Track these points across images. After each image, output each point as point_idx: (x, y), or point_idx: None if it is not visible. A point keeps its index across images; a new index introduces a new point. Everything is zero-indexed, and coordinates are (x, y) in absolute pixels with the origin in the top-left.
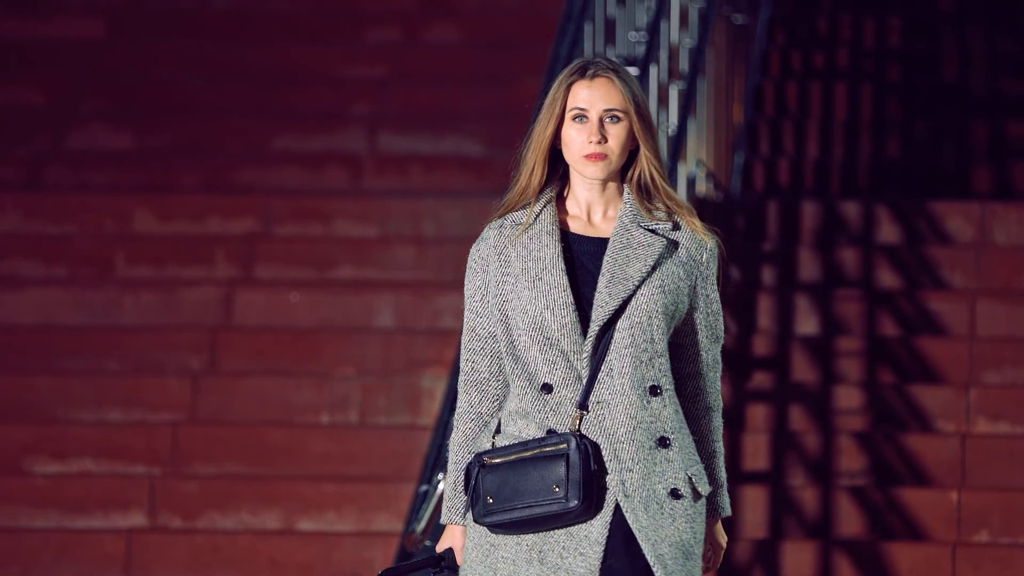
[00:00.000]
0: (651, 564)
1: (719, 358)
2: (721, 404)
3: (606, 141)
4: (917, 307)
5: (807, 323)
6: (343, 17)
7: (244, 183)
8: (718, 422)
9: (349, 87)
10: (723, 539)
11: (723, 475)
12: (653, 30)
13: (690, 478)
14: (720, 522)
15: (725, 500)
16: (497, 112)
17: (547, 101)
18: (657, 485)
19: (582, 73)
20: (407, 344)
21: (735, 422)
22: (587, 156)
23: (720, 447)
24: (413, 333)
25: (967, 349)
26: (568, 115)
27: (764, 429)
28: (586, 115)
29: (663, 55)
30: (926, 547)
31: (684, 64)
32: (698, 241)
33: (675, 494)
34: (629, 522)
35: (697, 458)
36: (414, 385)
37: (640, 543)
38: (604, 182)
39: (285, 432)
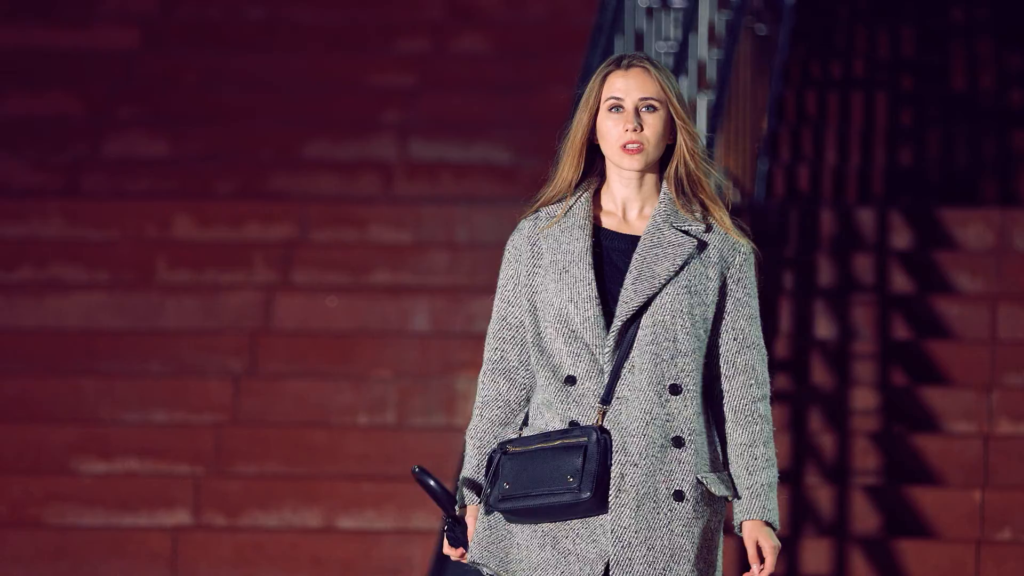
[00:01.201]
0: (611, 565)
1: (754, 365)
2: (761, 411)
3: (642, 130)
4: (938, 312)
5: (824, 327)
6: (373, 27)
7: (278, 189)
8: (755, 427)
9: (379, 95)
10: (770, 541)
11: (758, 479)
12: (682, 43)
13: (700, 481)
14: (767, 525)
15: (763, 504)
16: (524, 120)
17: (583, 94)
18: (661, 484)
19: (617, 64)
20: (442, 347)
21: None
22: (624, 147)
23: (755, 451)
24: (448, 336)
25: (989, 352)
26: (604, 106)
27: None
28: (622, 104)
29: (692, 66)
30: (950, 546)
31: (711, 72)
32: (731, 244)
33: (678, 496)
34: (609, 519)
35: (717, 462)
36: (449, 387)
37: (610, 542)
38: (641, 178)
39: (324, 433)
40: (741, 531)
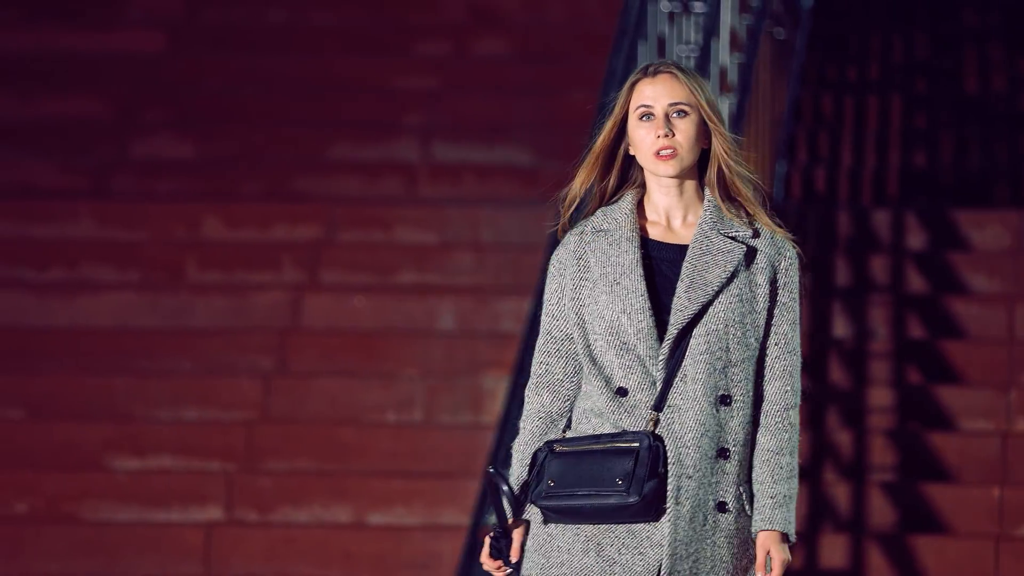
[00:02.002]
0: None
1: (791, 372)
2: (791, 420)
3: (673, 135)
4: (954, 312)
5: (841, 327)
6: (395, 30)
7: (302, 191)
8: (783, 436)
9: (402, 98)
10: (781, 555)
11: (781, 489)
12: (704, 47)
13: (742, 492)
14: (781, 536)
15: (782, 515)
16: (545, 122)
17: (611, 104)
18: (708, 496)
19: (644, 72)
20: (469, 346)
21: None
22: (657, 154)
23: (781, 460)
24: (474, 336)
25: (1007, 352)
26: (634, 115)
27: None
28: (652, 112)
29: (713, 70)
30: (969, 541)
31: (732, 76)
32: (778, 248)
33: (721, 507)
34: (667, 530)
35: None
36: (476, 386)
37: (664, 555)
38: (680, 185)
39: (354, 430)
40: (755, 537)
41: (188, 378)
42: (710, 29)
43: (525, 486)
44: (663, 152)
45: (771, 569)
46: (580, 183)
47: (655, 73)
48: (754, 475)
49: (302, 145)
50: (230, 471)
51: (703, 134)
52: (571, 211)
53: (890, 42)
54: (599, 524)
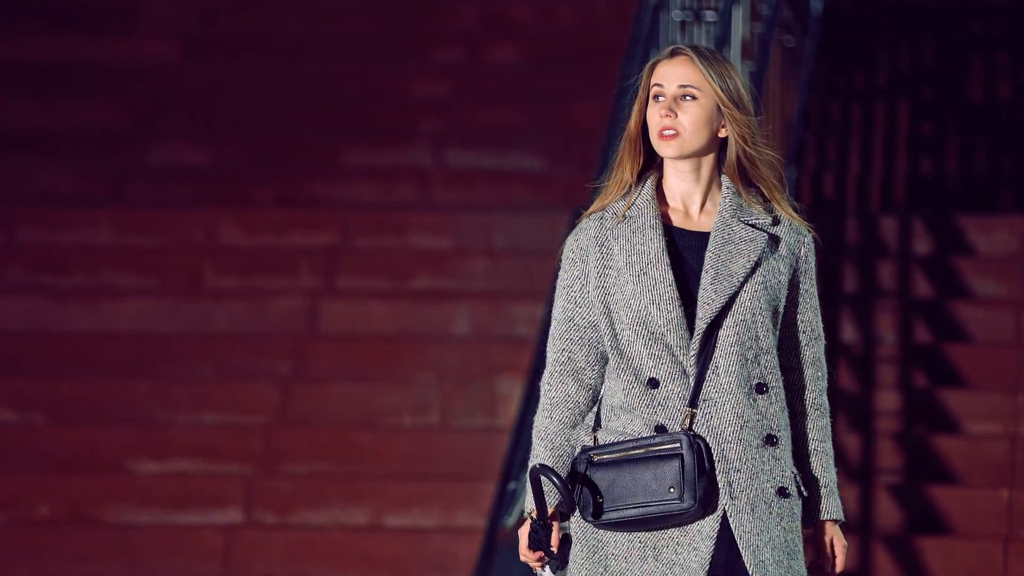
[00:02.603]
0: (750, 572)
1: (820, 357)
2: (826, 404)
3: (676, 116)
4: (963, 316)
5: (849, 331)
6: (409, 38)
7: (317, 197)
8: (823, 422)
9: (416, 104)
10: (842, 541)
11: (831, 476)
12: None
13: (795, 475)
14: (837, 524)
15: (837, 503)
16: (557, 129)
17: (637, 87)
18: (766, 484)
19: (665, 54)
20: (483, 351)
21: None
22: (660, 134)
23: (826, 447)
24: (489, 340)
25: (1015, 355)
26: (650, 97)
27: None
28: (663, 92)
29: None
30: (978, 542)
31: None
32: (796, 234)
33: (783, 492)
34: (732, 527)
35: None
36: (491, 389)
37: (741, 550)
38: (697, 171)
39: (370, 433)
40: (815, 527)
41: (207, 383)
42: (721, 38)
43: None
44: (665, 132)
45: (835, 555)
46: (627, 172)
47: (672, 55)
48: (803, 464)
49: (317, 151)
50: (249, 474)
51: (715, 120)
52: (612, 197)
53: (898, 50)
54: (652, 529)
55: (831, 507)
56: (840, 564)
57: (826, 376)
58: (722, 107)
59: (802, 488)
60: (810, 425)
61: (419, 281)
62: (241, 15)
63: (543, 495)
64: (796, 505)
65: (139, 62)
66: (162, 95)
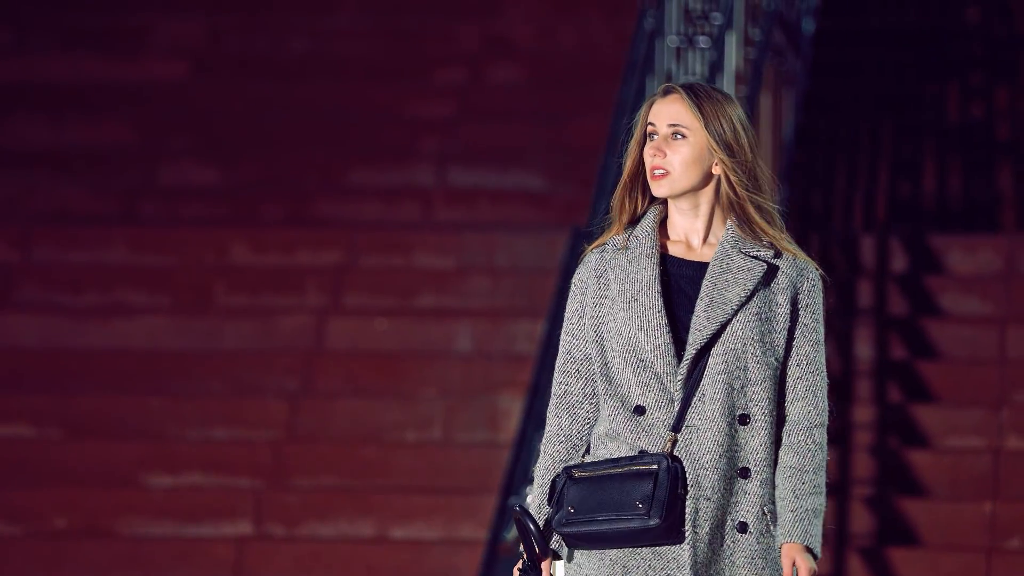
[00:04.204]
0: None
1: (816, 392)
2: (819, 439)
3: (665, 156)
4: (950, 333)
5: (831, 349)
6: (412, 58)
7: (323, 215)
8: (812, 454)
9: (419, 124)
10: (807, 564)
11: (805, 504)
12: (709, 81)
13: (766, 512)
14: (805, 549)
15: (805, 529)
16: (557, 148)
17: (635, 126)
18: (727, 516)
19: (659, 92)
20: (484, 367)
21: None
22: (650, 173)
23: (806, 477)
24: (490, 357)
25: (998, 372)
26: (646, 135)
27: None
28: (656, 131)
29: None
30: (963, 554)
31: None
32: (799, 270)
33: (742, 527)
34: (687, 555)
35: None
36: (492, 405)
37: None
38: (696, 208)
39: (376, 448)
40: (779, 552)
41: (218, 398)
42: (715, 63)
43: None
44: (656, 172)
45: None
46: (629, 205)
47: (665, 93)
48: (776, 493)
49: (323, 170)
50: (259, 488)
51: (707, 158)
52: (615, 231)
53: (884, 71)
54: (623, 548)
55: (794, 532)
56: None
57: (823, 412)
58: (711, 149)
59: (770, 525)
60: (792, 455)
61: (422, 299)
62: (248, 36)
63: (530, 539)
64: (762, 541)
65: (149, 82)
66: (171, 115)
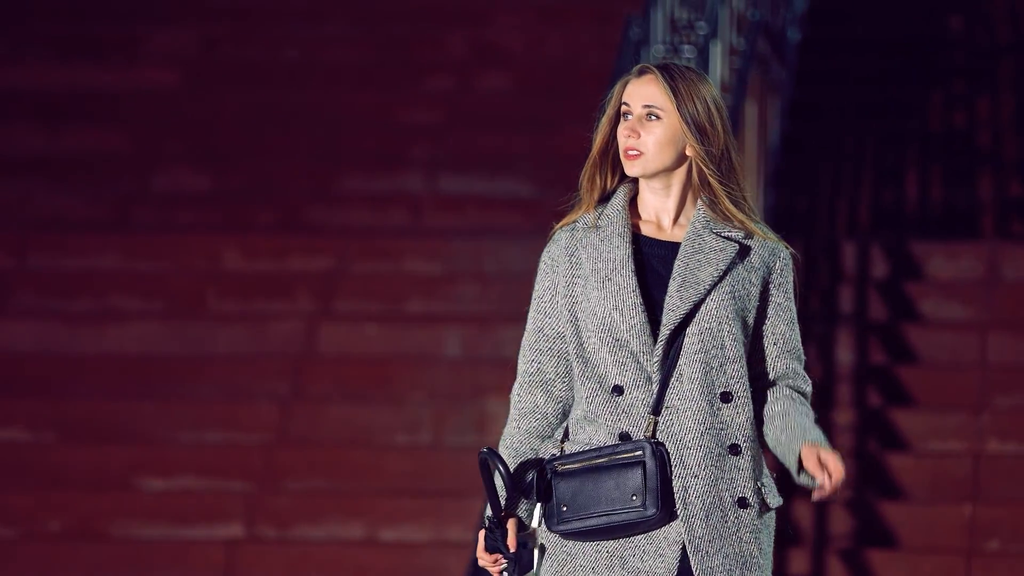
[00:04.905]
0: None
1: (795, 369)
2: (803, 396)
3: (639, 136)
4: (930, 338)
5: (812, 354)
6: (402, 66)
7: (314, 221)
8: (804, 408)
9: (408, 131)
10: (831, 451)
11: (809, 421)
12: None
13: (760, 488)
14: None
15: (816, 434)
16: (546, 155)
17: (608, 104)
18: (724, 493)
19: (633, 72)
20: (473, 371)
21: None
22: (624, 153)
23: (801, 408)
24: (478, 362)
25: (979, 376)
26: (620, 114)
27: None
28: (630, 111)
29: None
30: (942, 556)
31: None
32: (771, 249)
33: (743, 503)
34: (683, 532)
35: (767, 469)
36: (480, 409)
37: (689, 554)
38: (667, 188)
39: (366, 452)
40: (796, 467)
41: (209, 403)
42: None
43: (519, 478)
44: (629, 152)
45: (830, 471)
46: (599, 182)
47: (640, 73)
48: (772, 437)
49: (314, 177)
50: (250, 491)
51: (681, 138)
52: (584, 209)
53: (868, 79)
54: (618, 538)
55: (813, 434)
56: (837, 470)
57: (807, 382)
58: (684, 129)
59: (769, 500)
60: (790, 403)
61: (412, 305)
62: (240, 44)
63: (495, 489)
64: (757, 518)
65: (142, 90)
66: (164, 122)
